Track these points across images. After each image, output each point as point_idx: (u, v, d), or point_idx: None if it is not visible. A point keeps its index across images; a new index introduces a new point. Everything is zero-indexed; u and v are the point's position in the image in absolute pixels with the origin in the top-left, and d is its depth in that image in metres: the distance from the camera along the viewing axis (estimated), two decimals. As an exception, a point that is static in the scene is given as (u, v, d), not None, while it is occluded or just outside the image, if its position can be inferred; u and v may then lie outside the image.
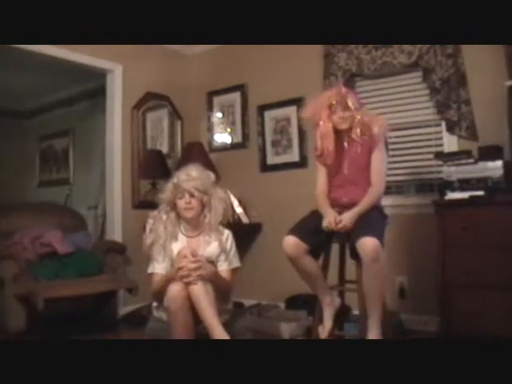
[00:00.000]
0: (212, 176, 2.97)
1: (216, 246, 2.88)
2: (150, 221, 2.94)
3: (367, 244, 2.69)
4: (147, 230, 2.93)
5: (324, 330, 3.08)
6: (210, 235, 2.89)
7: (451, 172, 3.37)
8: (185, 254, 2.68)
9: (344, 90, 3.15)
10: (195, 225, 2.92)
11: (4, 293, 3.78)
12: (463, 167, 3.33)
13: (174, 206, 2.90)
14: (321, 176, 3.25)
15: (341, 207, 3.05)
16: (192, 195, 2.83)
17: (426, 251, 3.67)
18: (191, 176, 2.85)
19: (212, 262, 2.82)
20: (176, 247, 2.83)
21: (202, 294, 2.59)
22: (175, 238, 2.89)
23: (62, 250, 4.34)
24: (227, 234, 2.97)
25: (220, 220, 2.91)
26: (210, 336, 2.55)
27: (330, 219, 2.92)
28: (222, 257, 2.90)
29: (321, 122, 3.10)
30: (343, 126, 3.06)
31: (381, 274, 2.77)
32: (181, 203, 2.85)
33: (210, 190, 2.89)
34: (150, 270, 2.86)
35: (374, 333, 2.82)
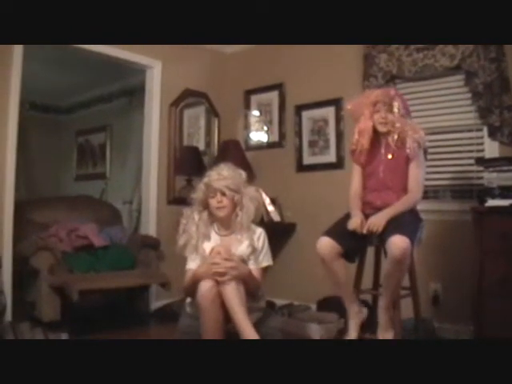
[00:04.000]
0: (243, 175, 2.97)
1: (248, 244, 2.87)
2: (183, 221, 2.95)
3: (397, 242, 2.66)
4: (180, 230, 2.94)
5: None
6: (242, 234, 2.88)
7: (492, 178, 3.30)
8: (218, 250, 2.69)
9: (394, 92, 3.15)
10: (227, 224, 2.92)
11: (39, 283, 3.86)
12: (505, 174, 3.25)
13: (206, 206, 2.91)
14: (355, 176, 3.23)
15: (375, 210, 3.02)
16: (223, 194, 2.83)
17: (461, 258, 3.60)
18: (222, 175, 2.85)
19: (244, 261, 2.82)
20: (208, 246, 2.84)
21: (234, 294, 2.59)
22: (208, 237, 2.90)
23: (98, 243, 4.41)
24: (259, 232, 2.95)
25: (252, 218, 2.90)
26: (240, 336, 2.55)
27: (357, 221, 2.91)
28: (254, 255, 2.89)
29: (362, 117, 3.09)
30: (382, 129, 3.04)
31: (400, 275, 2.80)
32: (213, 202, 2.85)
33: (241, 189, 2.89)
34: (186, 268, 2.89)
35: (382, 317, 2.91)
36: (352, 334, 3.06)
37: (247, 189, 2.93)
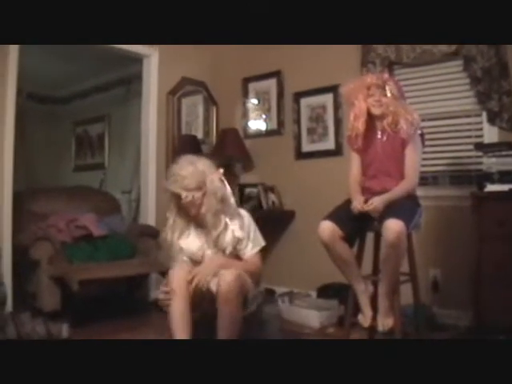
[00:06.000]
0: (205, 165, 2.80)
1: (231, 237, 2.82)
2: (168, 215, 2.91)
3: (391, 226, 2.67)
4: (167, 227, 2.91)
5: (366, 318, 3.05)
6: (219, 227, 2.80)
7: (491, 163, 3.29)
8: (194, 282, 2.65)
9: (387, 75, 3.16)
10: (202, 219, 2.81)
11: (39, 274, 3.86)
12: (504, 159, 3.24)
13: (180, 205, 2.81)
14: (354, 164, 3.23)
15: (374, 195, 3.02)
16: (186, 194, 2.72)
17: (460, 244, 3.61)
18: (180, 175, 2.71)
19: (236, 248, 2.83)
20: (190, 242, 2.85)
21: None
22: (186, 235, 2.88)
23: (97, 232, 4.40)
24: (241, 219, 2.87)
25: (217, 212, 2.77)
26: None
27: (358, 202, 2.92)
28: (241, 245, 2.85)
29: (356, 102, 3.09)
30: (376, 111, 3.03)
31: (397, 260, 2.79)
32: (180, 203, 2.77)
33: (204, 181, 2.74)
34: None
35: (383, 303, 2.91)
36: (367, 311, 3.04)
37: (210, 178, 2.78)
